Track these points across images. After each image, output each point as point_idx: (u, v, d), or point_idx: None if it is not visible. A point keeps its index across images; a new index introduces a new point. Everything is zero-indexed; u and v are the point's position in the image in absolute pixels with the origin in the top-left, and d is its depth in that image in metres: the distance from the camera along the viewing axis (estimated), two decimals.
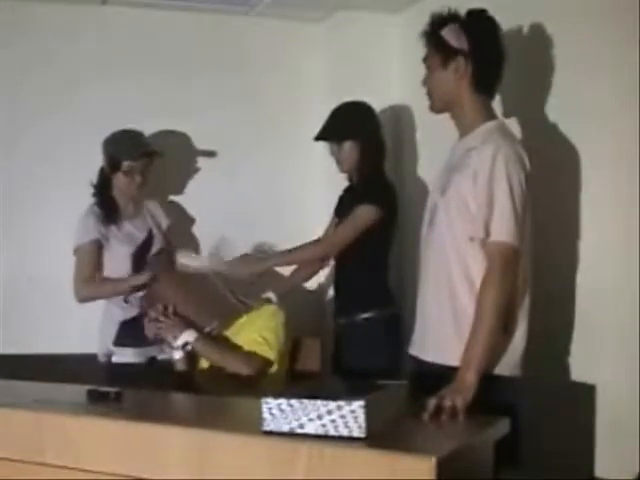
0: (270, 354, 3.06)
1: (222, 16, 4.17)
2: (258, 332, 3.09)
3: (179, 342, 3.08)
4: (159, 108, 3.99)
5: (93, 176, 3.71)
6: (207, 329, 3.14)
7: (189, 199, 4.15)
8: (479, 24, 2.59)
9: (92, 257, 3.60)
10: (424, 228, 2.66)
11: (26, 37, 3.95)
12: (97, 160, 3.73)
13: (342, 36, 4.17)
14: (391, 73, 4.13)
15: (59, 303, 3.78)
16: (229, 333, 3.19)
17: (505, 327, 2.43)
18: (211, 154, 4.17)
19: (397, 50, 4.11)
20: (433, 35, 2.60)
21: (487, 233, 2.41)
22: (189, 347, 3.10)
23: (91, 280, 3.60)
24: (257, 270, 3.43)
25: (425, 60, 2.64)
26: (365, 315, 3.35)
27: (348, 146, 3.42)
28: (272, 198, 4.20)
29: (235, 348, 3.11)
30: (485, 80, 2.58)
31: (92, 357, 3.64)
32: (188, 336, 3.07)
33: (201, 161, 4.17)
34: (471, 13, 2.60)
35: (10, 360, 3.65)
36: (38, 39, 3.97)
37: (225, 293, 3.29)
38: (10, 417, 2.25)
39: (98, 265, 3.61)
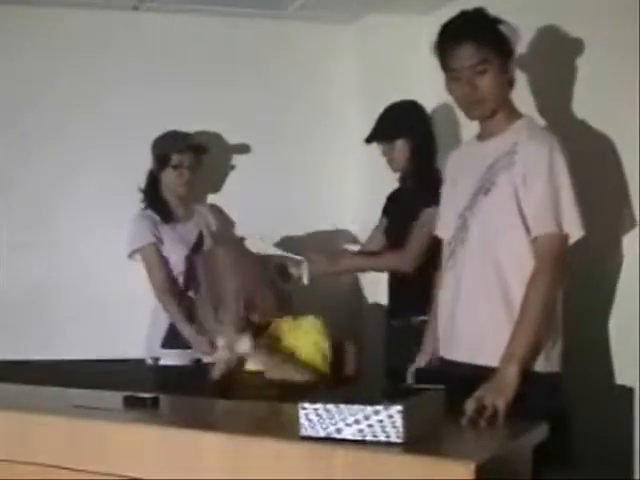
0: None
1: (252, 20, 4.18)
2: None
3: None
4: (192, 112, 4.00)
5: (123, 183, 3.75)
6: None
7: (225, 198, 4.18)
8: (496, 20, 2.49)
9: (159, 260, 3.64)
10: (453, 231, 2.54)
11: (56, 43, 4.01)
12: (129, 166, 3.75)
13: (373, 38, 4.17)
14: (422, 75, 4.09)
15: (90, 307, 3.82)
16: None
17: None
18: (244, 155, 4.19)
19: (428, 51, 4.07)
20: (491, 34, 2.42)
21: (559, 227, 2.34)
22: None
23: (167, 285, 3.61)
24: (331, 270, 3.39)
25: (480, 64, 2.40)
26: (421, 318, 3.27)
27: (399, 145, 3.39)
28: (306, 199, 4.21)
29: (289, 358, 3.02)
30: (512, 76, 2.51)
31: (127, 362, 3.69)
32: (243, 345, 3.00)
33: (235, 162, 4.19)
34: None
35: (46, 366, 3.68)
36: (68, 45, 4.01)
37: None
38: (46, 422, 2.26)
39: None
